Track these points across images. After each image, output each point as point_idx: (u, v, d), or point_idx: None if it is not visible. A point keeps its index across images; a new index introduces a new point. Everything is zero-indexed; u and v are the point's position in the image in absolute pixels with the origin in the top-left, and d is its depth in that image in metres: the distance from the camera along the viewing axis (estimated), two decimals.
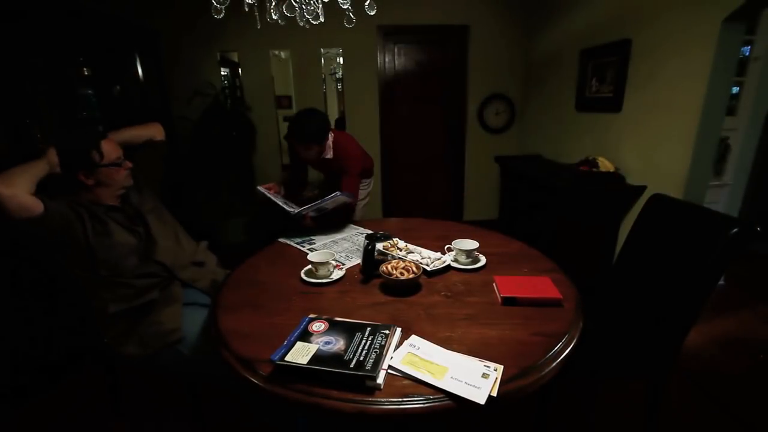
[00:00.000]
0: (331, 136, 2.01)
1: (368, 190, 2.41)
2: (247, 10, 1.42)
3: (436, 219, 1.95)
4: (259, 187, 1.88)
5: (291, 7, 1.44)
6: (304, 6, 1.51)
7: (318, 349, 0.86)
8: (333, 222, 1.91)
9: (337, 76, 4.12)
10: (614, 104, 2.57)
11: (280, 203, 1.80)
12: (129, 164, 1.40)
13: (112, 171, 1.33)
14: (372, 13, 1.48)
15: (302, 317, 1.00)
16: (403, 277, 1.19)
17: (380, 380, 0.80)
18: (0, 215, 1.13)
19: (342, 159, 2.01)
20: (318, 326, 0.95)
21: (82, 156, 1.27)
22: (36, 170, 1.23)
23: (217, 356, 0.95)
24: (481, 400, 0.76)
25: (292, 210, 1.74)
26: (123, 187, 1.40)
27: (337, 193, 1.70)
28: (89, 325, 1.39)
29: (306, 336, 0.91)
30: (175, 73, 3.45)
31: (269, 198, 1.83)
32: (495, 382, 0.80)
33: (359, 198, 2.23)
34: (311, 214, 1.80)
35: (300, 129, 1.87)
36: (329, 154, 2.03)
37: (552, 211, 2.79)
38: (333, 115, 3.95)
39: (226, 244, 3.68)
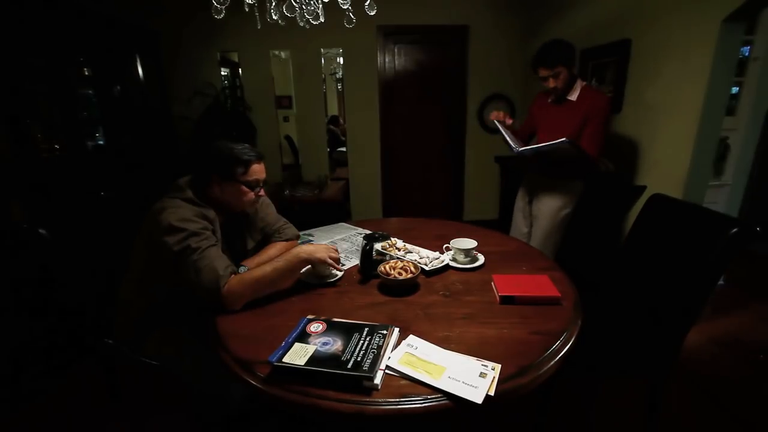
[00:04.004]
0: (579, 79, 1.96)
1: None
2: (247, 10, 1.43)
3: (435, 219, 1.95)
4: (495, 120, 2.04)
5: (291, 7, 1.45)
6: (304, 6, 1.52)
7: (316, 350, 0.86)
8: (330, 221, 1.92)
9: (337, 76, 4.14)
10: (614, 104, 2.57)
11: (507, 137, 1.94)
12: (262, 193, 1.33)
13: (242, 190, 1.25)
14: (372, 13, 1.48)
15: (300, 318, 1.00)
16: (401, 277, 1.19)
17: (378, 381, 0.80)
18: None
19: (588, 99, 1.89)
20: (316, 327, 0.95)
21: (227, 164, 1.22)
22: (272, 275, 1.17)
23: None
24: (479, 399, 0.76)
25: (515, 147, 1.87)
26: (240, 210, 1.33)
27: (563, 139, 1.69)
28: (91, 325, 1.39)
29: (304, 337, 0.91)
30: (175, 73, 3.45)
31: (501, 131, 1.97)
32: (492, 381, 0.80)
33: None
34: (533, 155, 1.86)
35: (546, 50, 1.84)
36: (573, 96, 1.93)
37: None
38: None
39: None
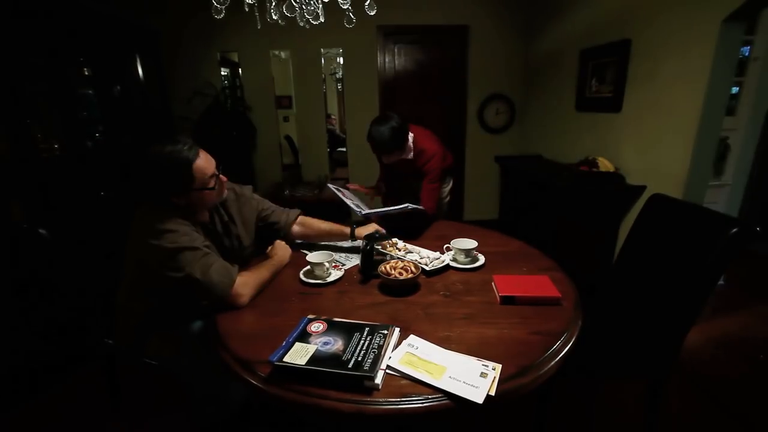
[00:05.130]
0: (410, 137, 1.98)
1: (449, 187, 2.35)
2: (247, 10, 1.43)
3: (436, 219, 1.94)
4: (330, 185, 1.97)
5: (291, 7, 1.45)
6: (304, 6, 1.52)
7: (316, 350, 0.86)
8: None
9: (337, 76, 4.12)
10: (614, 104, 2.57)
11: (348, 201, 1.83)
12: (224, 179, 1.27)
13: (204, 194, 1.19)
14: (372, 13, 1.48)
15: (301, 318, 1.00)
16: (401, 277, 1.19)
17: (378, 380, 0.80)
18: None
19: (422, 159, 1.98)
20: (317, 327, 0.95)
21: (174, 180, 1.14)
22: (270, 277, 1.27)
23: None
24: (479, 399, 0.76)
25: (359, 210, 1.77)
26: (216, 203, 1.30)
27: (407, 205, 1.67)
28: (92, 325, 1.39)
29: (305, 337, 0.91)
30: (175, 73, 3.45)
31: (338, 195, 1.89)
32: (493, 381, 0.80)
33: (442, 196, 2.24)
34: (378, 217, 1.78)
35: (375, 139, 1.85)
36: (409, 155, 2.01)
37: (552, 211, 2.79)
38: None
39: None
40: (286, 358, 0.83)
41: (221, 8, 1.32)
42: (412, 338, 0.95)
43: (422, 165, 1.98)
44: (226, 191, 1.33)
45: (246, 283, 1.16)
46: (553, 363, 0.88)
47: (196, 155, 1.15)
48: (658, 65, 2.23)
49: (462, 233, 1.53)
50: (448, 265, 1.36)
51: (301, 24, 1.59)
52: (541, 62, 3.57)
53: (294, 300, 1.18)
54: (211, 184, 1.20)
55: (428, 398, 0.78)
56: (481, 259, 1.38)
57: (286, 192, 3.38)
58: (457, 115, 3.92)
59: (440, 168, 2.01)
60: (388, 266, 1.24)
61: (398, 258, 1.35)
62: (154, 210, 1.15)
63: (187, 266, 1.09)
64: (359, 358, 0.83)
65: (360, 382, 0.80)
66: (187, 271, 1.09)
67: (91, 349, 1.44)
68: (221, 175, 1.25)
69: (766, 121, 2.81)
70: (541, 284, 1.17)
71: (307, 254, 1.33)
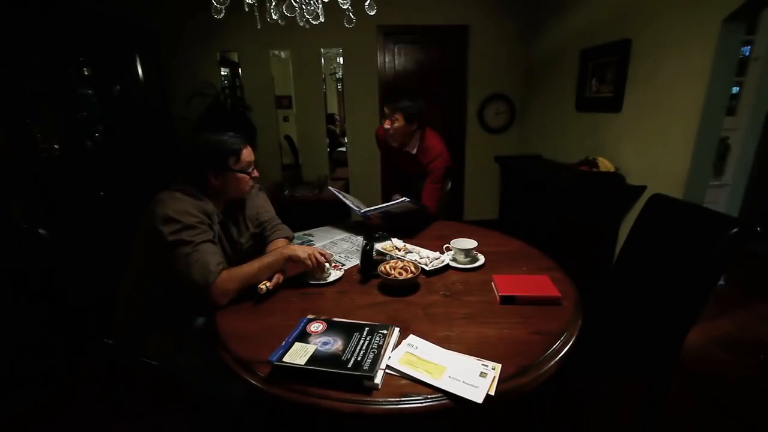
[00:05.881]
0: (418, 132, 1.99)
1: (447, 188, 2.34)
2: (247, 10, 1.43)
3: (435, 219, 1.95)
4: (330, 188, 1.98)
5: (291, 7, 1.45)
6: (304, 6, 1.52)
7: (316, 350, 0.86)
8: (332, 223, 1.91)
9: (337, 76, 4.13)
10: (614, 104, 2.57)
11: (348, 202, 1.85)
12: (256, 173, 1.37)
13: (240, 177, 1.30)
14: (372, 13, 1.48)
15: (300, 318, 1.00)
16: (401, 277, 1.19)
17: (378, 380, 0.80)
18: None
19: (426, 157, 1.97)
20: (316, 327, 0.95)
21: (219, 158, 1.25)
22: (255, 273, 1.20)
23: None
24: (479, 399, 0.76)
25: (358, 209, 1.78)
26: (241, 196, 1.37)
27: (405, 199, 1.65)
28: (91, 325, 1.39)
29: (304, 337, 0.91)
30: (175, 73, 3.45)
31: (338, 196, 1.89)
32: (493, 381, 0.80)
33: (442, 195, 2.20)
34: (377, 215, 1.78)
35: (396, 95, 1.88)
36: (414, 149, 2.00)
37: (552, 211, 2.79)
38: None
39: None
40: (286, 358, 0.83)
41: (221, 8, 1.32)
42: (412, 338, 0.95)
43: (427, 164, 1.98)
44: (253, 186, 1.40)
45: (227, 281, 1.14)
46: (553, 363, 0.88)
47: (246, 144, 1.31)
48: (658, 65, 2.23)
49: (462, 233, 1.53)
50: (447, 265, 1.36)
51: (301, 24, 1.59)
52: (541, 62, 3.57)
53: (294, 300, 1.18)
54: (249, 170, 1.32)
55: (428, 398, 0.78)
56: (481, 259, 1.38)
57: (286, 192, 3.38)
58: (457, 115, 3.92)
59: (444, 168, 2.02)
60: (387, 266, 1.24)
61: (398, 258, 1.35)
62: (167, 197, 1.18)
63: (176, 259, 1.11)
64: (359, 358, 0.83)
65: (359, 382, 0.80)
66: (176, 263, 1.11)
67: (90, 349, 1.44)
68: (255, 170, 1.36)
69: (767, 121, 2.81)
70: (541, 284, 1.17)
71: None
